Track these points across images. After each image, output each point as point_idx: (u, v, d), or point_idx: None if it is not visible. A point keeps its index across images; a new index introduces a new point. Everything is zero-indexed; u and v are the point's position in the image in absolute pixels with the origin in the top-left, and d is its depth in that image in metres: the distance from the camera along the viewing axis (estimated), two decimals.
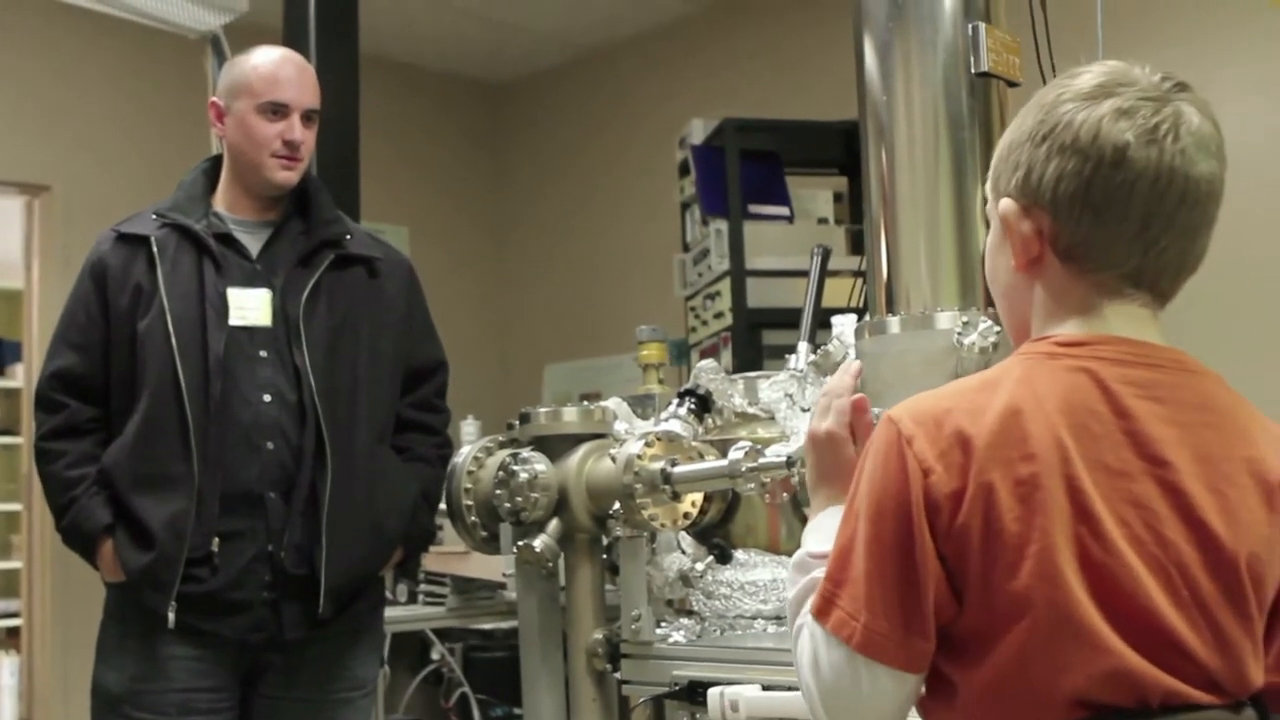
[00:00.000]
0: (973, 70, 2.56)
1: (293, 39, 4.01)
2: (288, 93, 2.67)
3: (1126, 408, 1.20)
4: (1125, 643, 1.15)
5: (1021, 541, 1.16)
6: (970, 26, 2.57)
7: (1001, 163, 1.30)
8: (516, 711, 4.03)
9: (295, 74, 2.70)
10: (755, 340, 4.55)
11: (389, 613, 2.97)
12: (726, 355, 4.50)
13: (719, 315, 4.69)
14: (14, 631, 6.14)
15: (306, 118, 2.70)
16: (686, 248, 5.04)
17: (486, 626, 4.27)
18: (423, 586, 3.74)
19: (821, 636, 1.24)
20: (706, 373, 2.67)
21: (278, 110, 2.66)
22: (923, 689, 1.25)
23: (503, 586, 3.60)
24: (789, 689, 2.08)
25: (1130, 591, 1.16)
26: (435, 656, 4.17)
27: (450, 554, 3.70)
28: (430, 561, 3.70)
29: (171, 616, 2.48)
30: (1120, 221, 1.22)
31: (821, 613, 1.24)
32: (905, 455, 1.20)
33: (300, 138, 2.67)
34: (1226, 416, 1.24)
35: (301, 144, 2.68)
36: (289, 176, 2.68)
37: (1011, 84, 2.63)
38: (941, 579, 1.19)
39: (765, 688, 2.12)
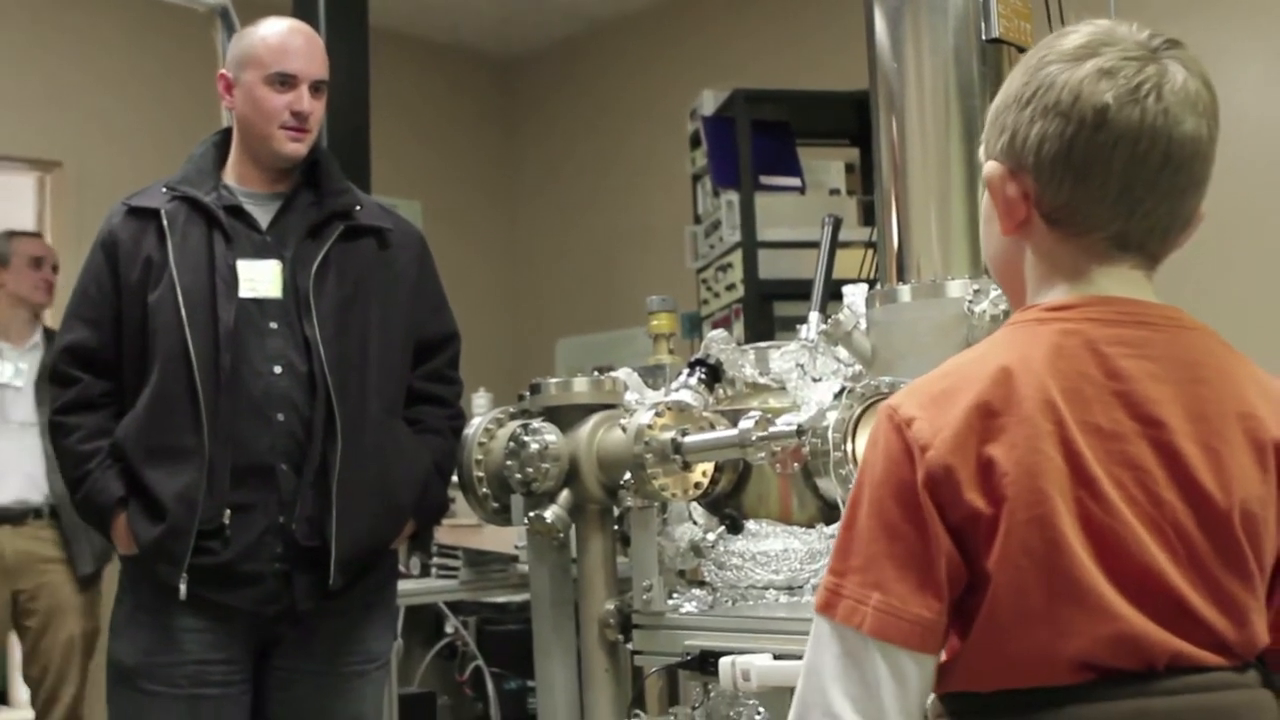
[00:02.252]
0: (984, 36, 2.55)
1: (302, 12, 4.00)
2: (296, 63, 2.66)
3: (1118, 368, 1.20)
4: (1130, 604, 1.15)
5: (1022, 508, 1.15)
6: None
7: (990, 126, 1.29)
8: (530, 684, 4.04)
9: (303, 44, 2.69)
10: (767, 312, 4.54)
11: (402, 586, 2.97)
12: (738, 327, 4.50)
13: (730, 287, 4.69)
14: None
15: (315, 89, 2.69)
16: (698, 220, 5.04)
17: (500, 599, 4.28)
18: (436, 560, 3.75)
19: (831, 634, 1.21)
20: (717, 343, 2.66)
21: (286, 81, 2.65)
22: None
23: (515, 559, 3.61)
24: (800, 658, 2.08)
25: (1133, 553, 1.15)
26: (449, 630, 4.18)
27: (463, 527, 3.71)
28: (443, 535, 3.70)
29: (183, 588, 2.48)
30: (1102, 184, 1.21)
31: (828, 606, 1.21)
32: (904, 436, 1.19)
33: (309, 109, 2.66)
34: (1220, 373, 1.23)
35: (310, 115, 2.67)
36: (298, 148, 2.68)
37: (1023, 50, 2.62)
38: (951, 552, 1.18)
39: (777, 657, 2.12)
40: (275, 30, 2.69)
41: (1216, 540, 1.18)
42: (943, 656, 1.22)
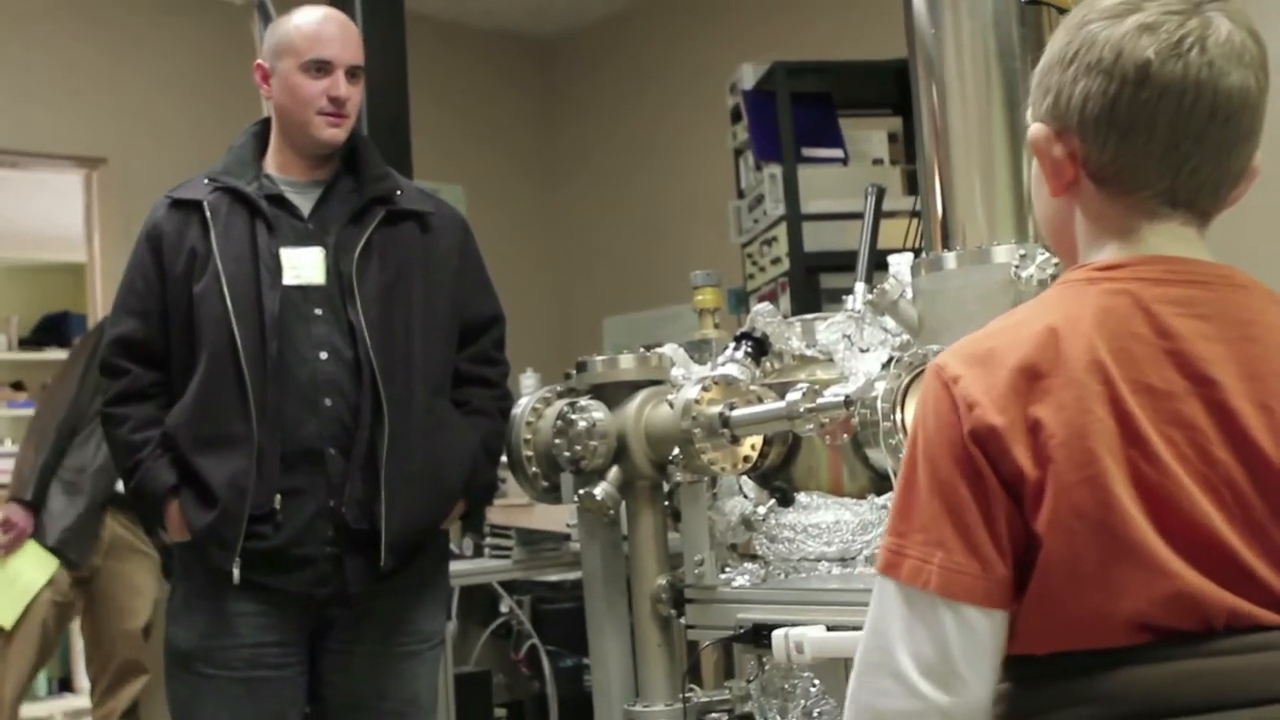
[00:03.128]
0: None
1: (337, 1, 4.01)
2: (331, 49, 2.67)
3: (1169, 327, 1.18)
4: (1186, 563, 1.14)
5: (1071, 469, 1.14)
6: None
7: (1035, 88, 1.28)
8: (585, 661, 4.04)
9: (337, 31, 2.70)
10: (813, 284, 4.52)
11: (455, 567, 2.99)
12: (784, 301, 4.48)
13: (776, 261, 4.66)
14: None
15: (351, 74, 2.70)
16: (741, 194, 5.01)
17: (554, 578, 4.29)
18: (488, 540, 3.77)
19: (896, 595, 1.20)
20: (763, 316, 2.65)
21: (321, 67, 2.66)
22: None
23: (567, 538, 3.62)
24: (854, 629, 2.08)
25: (1187, 511, 1.14)
26: (504, 609, 4.20)
27: (514, 506, 3.72)
28: (495, 515, 3.72)
29: (236, 573, 2.51)
30: (1147, 141, 1.20)
31: (891, 566, 1.21)
32: (953, 394, 1.19)
33: (345, 94, 2.67)
34: (1273, 331, 1.21)
35: (347, 100, 2.68)
36: (336, 134, 2.69)
37: (1063, 11, 2.59)
38: (1010, 507, 1.17)
39: (830, 628, 2.11)
40: (309, 18, 2.71)
41: (1271, 498, 1.16)
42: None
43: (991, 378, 1.18)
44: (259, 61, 2.75)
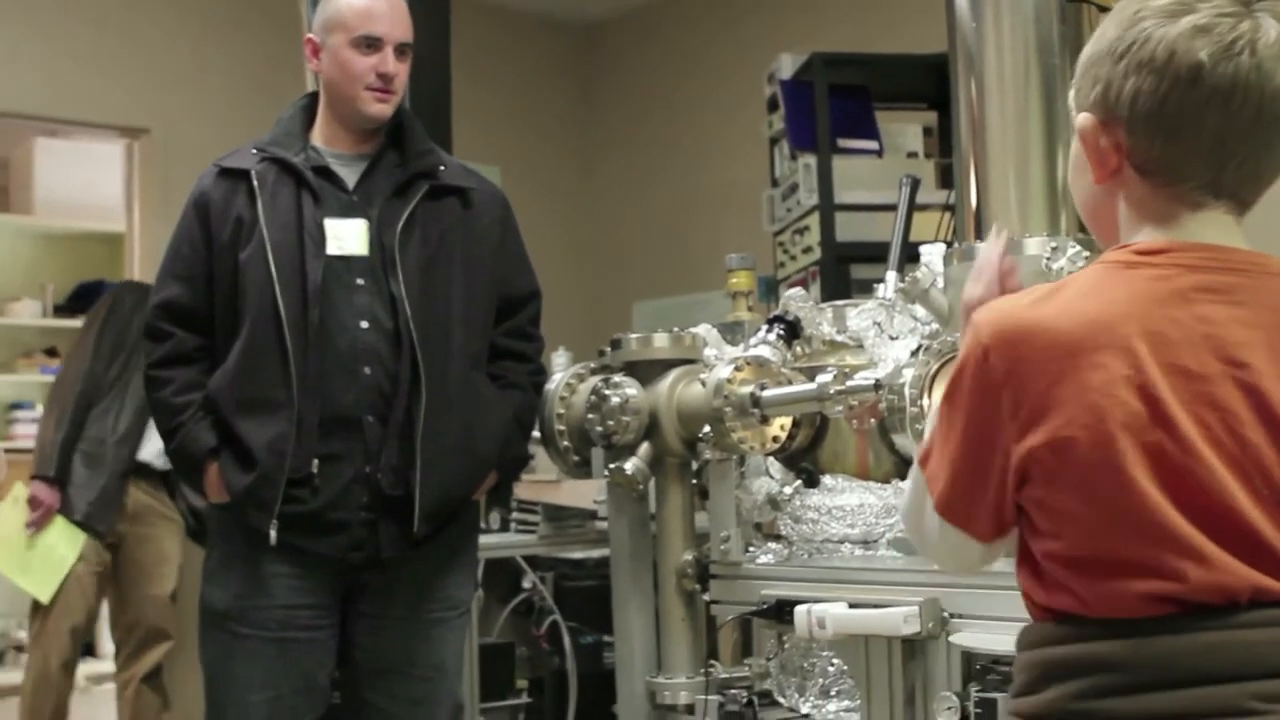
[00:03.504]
0: None
1: None
2: (381, 26, 2.72)
3: (1204, 313, 1.22)
4: (1211, 540, 1.18)
5: (1089, 449, 1.19)
6: None
7: (1082, 77, 1.31)
8: (606, 639, 4.10)
9: (388, 8, 2.75)
10: (844, 274, 4.55)
11: (482, 540, 3.03)
12: (815, 289, 4.51)
13: (807, 250, 4.69)
14: None
15: (400, 51, 2.74)
16: (775, 183, 5.04)
17: (577, 555, 4.34)
18: (515, 515, 3.81)
19: (918, 477, 1.36)
20: (795, 300, 2.70)
21: (371, 44, 2.71)
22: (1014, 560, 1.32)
23: (594, 515, 3.66)
24: (875, 607, 2.12)
25: (1212, 491, 1.18)
26: (526, 585, 4.25)
27: (542, 482, 3.76)
28: (522, 490, 3.76)
29: (274, 535, 2.56)
30: (1195, 139, 1.24)
31: (922, 461, 1.35)
32: (985, 362, 1.24)
33: (394, 70, 2.72)
34: None
35: (395, 77, 2.73)
36: (384, 109, 2.73)
37: (1103, 9, 2.61)
38: (1023, 474, 1.24)
39: (852, 605, 2.16)
40: None
41: None
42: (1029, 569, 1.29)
43: (1019, 352, 1.23)
44: (309, 36, 2.80)
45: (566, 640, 4.08)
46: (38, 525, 4.26)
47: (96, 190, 6.28)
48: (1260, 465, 1.19)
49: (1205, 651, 1.17)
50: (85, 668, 6.46)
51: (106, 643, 7.36)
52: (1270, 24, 1.23)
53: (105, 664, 6.40)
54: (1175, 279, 1.23)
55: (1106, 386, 1.19)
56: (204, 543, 4.38)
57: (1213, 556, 1.17)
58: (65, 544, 4.31)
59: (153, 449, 4.37)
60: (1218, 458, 1.19)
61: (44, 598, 4.33)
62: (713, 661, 2.64)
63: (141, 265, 5.78)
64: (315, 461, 2.58)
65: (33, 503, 4.27)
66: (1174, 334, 1.21)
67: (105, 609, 4.70)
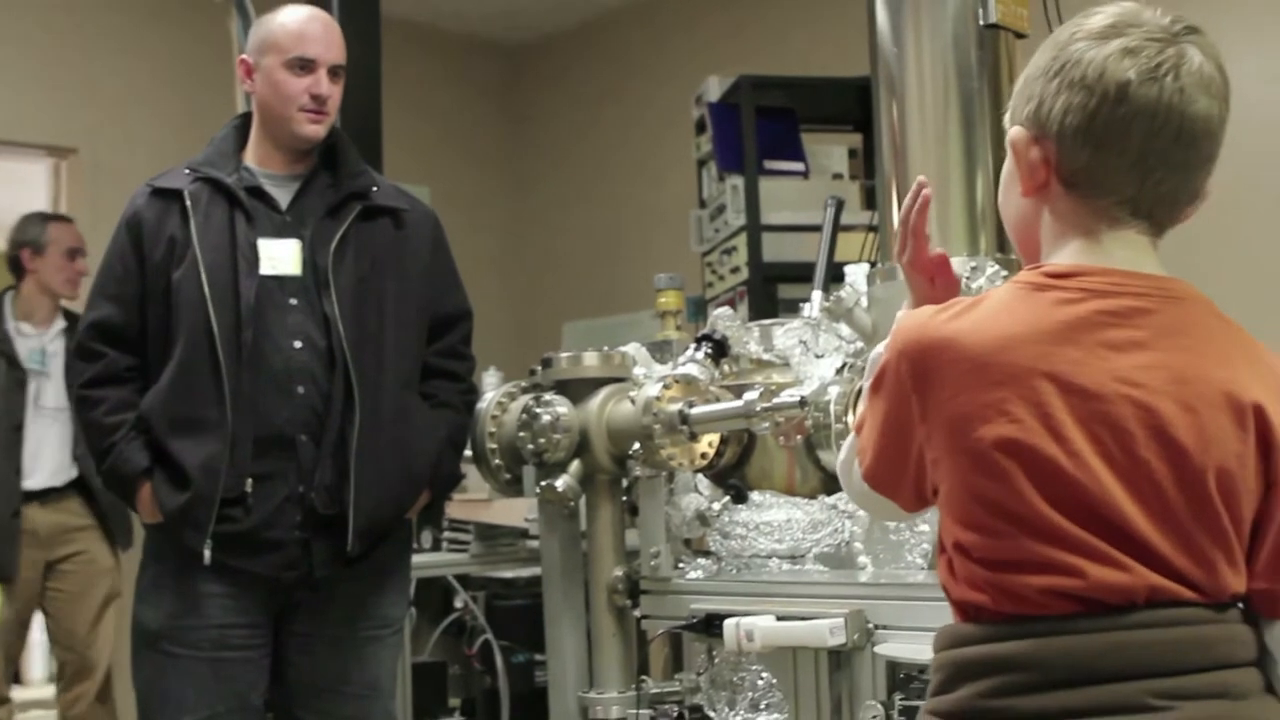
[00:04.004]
0: (981, 22, 2.63)
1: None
2: (314, 48, 2.74)
3: (1105, 336, 1.28)
4: (1108, 544, 1.24)
5: (986, 458, 1.26)
6: None
7: (1018, 95, 1.38)
8: (538, 657, 4.13)
9: (322, 30, 2.77)
10: (771, 294, 4.61)
11: (413, 559, 3.05)
12: (743, 309, 4.56)
13: (735, 270, 4.75)
14: None
15: (333, 73, 2.77)
16: (703, 204, 5.10)
17: (508, 574, 4.37)
18: (446, 533, 3.83)
19: (852, 441, 1.48)
20: (723, 319, 2.74)
21: (305, 65, 2.74)
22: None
23: (525, 534, 3.69)
24: (802, 619, 2.17)
25: (1104, 504, 1.24)
26: (458, 605, 4.27)
27: (473, 501, 3.78)
28: (454, 509, 3.78)
29: (208, 554, 2.57)
30: (1119, 154, 1.30)
31: (858, 428, 1.45)
32: (899, 368, 1.33)
33: (327, 92, 2.75)
34: (1205, 341, 1.31)
35: (328, 98, 2.75)
36: (317, 130, 2.76)
37: (1019, 35, 2.69)
38: (926, 469, 1.34)
39: (780, 618, 2.20)
40: (295, 16, 2.78)
41: (1191, 495, 1.26)
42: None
43: (929, 363, 1.30)
44: (243, 57, 2.82)
45: (499, 659, 4.10)
46: None
47: (19, 210, 6.22)
48: (1152, 481, 1.25)
49: (1105, 651, 1.23)
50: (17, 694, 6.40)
51: (34, 668, 7.30)
52: (1194, 53, 1.30)
53: (29, 691, 6.33)
54: (1080, 303, 1.29)
55: (1004, 404, 1.26)
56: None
57: (1110, 555, 1.24)
58: None
59: (45, 472, 4.35)
60: (1110, 473, 1.25)
61: None
62: (644, 677, 2.67)
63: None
64: (249, 481, 2.60)
65: None
66: (1073, 355, 1.27)
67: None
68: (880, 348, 1.41)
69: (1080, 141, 1.31)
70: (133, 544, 4.41)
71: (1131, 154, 1.30)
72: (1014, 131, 1.36)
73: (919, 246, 1.58)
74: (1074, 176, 1.33)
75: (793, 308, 3.28)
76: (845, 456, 1.52)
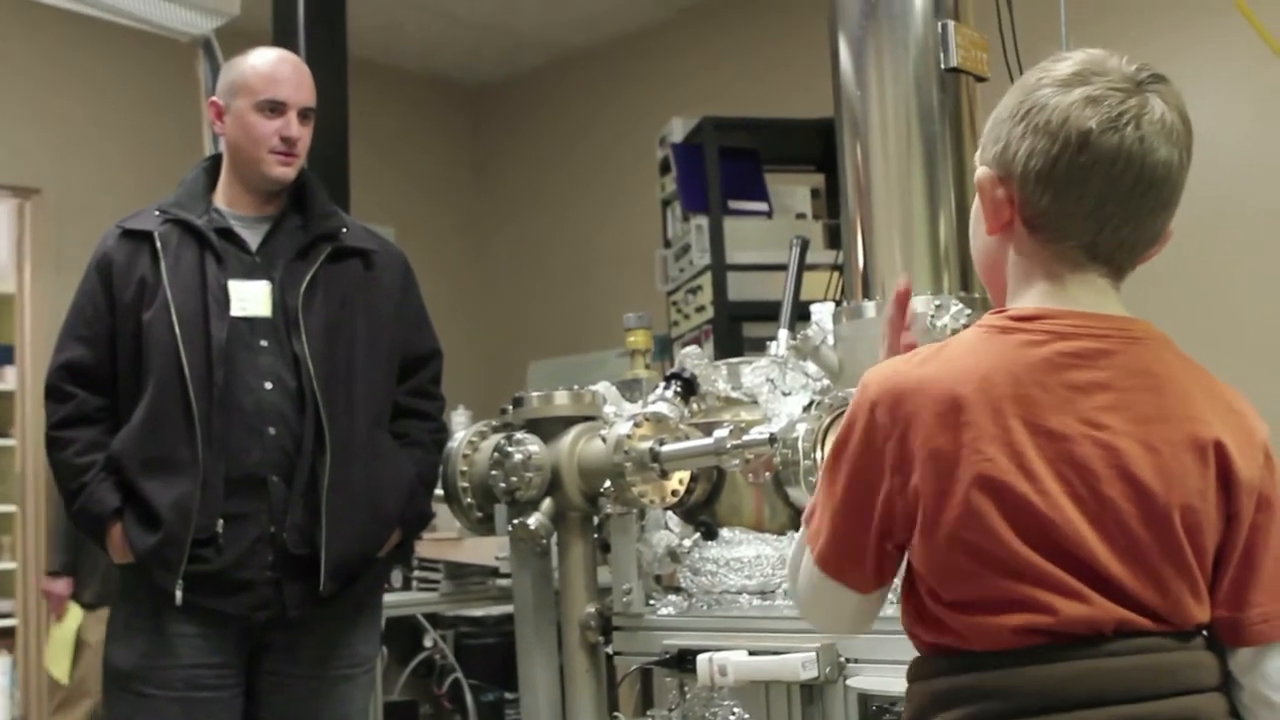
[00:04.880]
0: (943, 66, 2.68)
1: (282, 42, 4.10)
2: (285, 91, 2.77)
3: (1069, 378, 1.32)
4: (1077, 580, 1.27)
5: (961, 498, 1.29)
6: (940, 24, 2.68)
7: (987, 135, 1.42)
8: (509, 695, 4.12)
9: (292, 73, 2.80)
10: (736, 332, 4.66)
11: (384, 598, 3.05)
12: (708, 348, 4.60)
13: (700, 309, 4.80)
14: (8, 632, 6.19)
15: (303, 115, 2.80)
16: (668, 244, 5.15)
17: (478, 613, 4.36)
18: (416, 573, 3.83)
19: (800, 537, 1.44)
20: (691, 358, 2.77)
21: (275, 108, 2.76)
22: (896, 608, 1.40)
23: (495, 572, 3.70)
24: (774, 654, 2.20)
25: (1073, 541, 1.28)
26: (428, 644, 4.26)
27: (443, 540, 3.79)
28: (423, 548, 3.78)
29: (179, 595, 2.57)
30: (1078, 199, 1.34)
31: (806, 520, 1.44)
32: (872, 415, 1.34)
33: (297, 134, 2.77)
34: (1167, 380, 1.35)
35: (298, 140, 2.78)
36: (286, 172, 2.78)
37: (980, 79, 2.75)
38: (904, 520, 1.33)
39: (752, 653, 2.23)
40: (265, 59, 2.80)
41: (1155, 532, 1.30)
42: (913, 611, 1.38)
43: (900, 413, 1.32)
44: (213, 99, 2.83)
45: (469, 698, 4.10)
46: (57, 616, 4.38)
47: None
48: (1118, 519, 1.29)
49: (1074, 678, 1.26)
50: None
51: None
52: (1157, 102, 1.34)
53: None
54: (1045, 345, 1.33)
55: (977, 443, 1.29)
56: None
57: (1079, 591, 1.27)
58: (72, 623, 4.42)
59: None
60: (1078, 511, 1.29)
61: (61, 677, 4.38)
62: (615, 714, 2.69)
63: (33, 326, 5.73)
64: (220, 521, 2.60)
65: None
66: (1040, 396, 1.31)
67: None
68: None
69: (1042, 186, 1.34)
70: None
71: (1090, 201, 1.33)
72: (980, 171, 1.40)
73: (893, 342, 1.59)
74: (1035, 219, 1.36)
75: (757, 346, 3.32)
76: (791, 558, 1.48)
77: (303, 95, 2.80)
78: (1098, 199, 1.33)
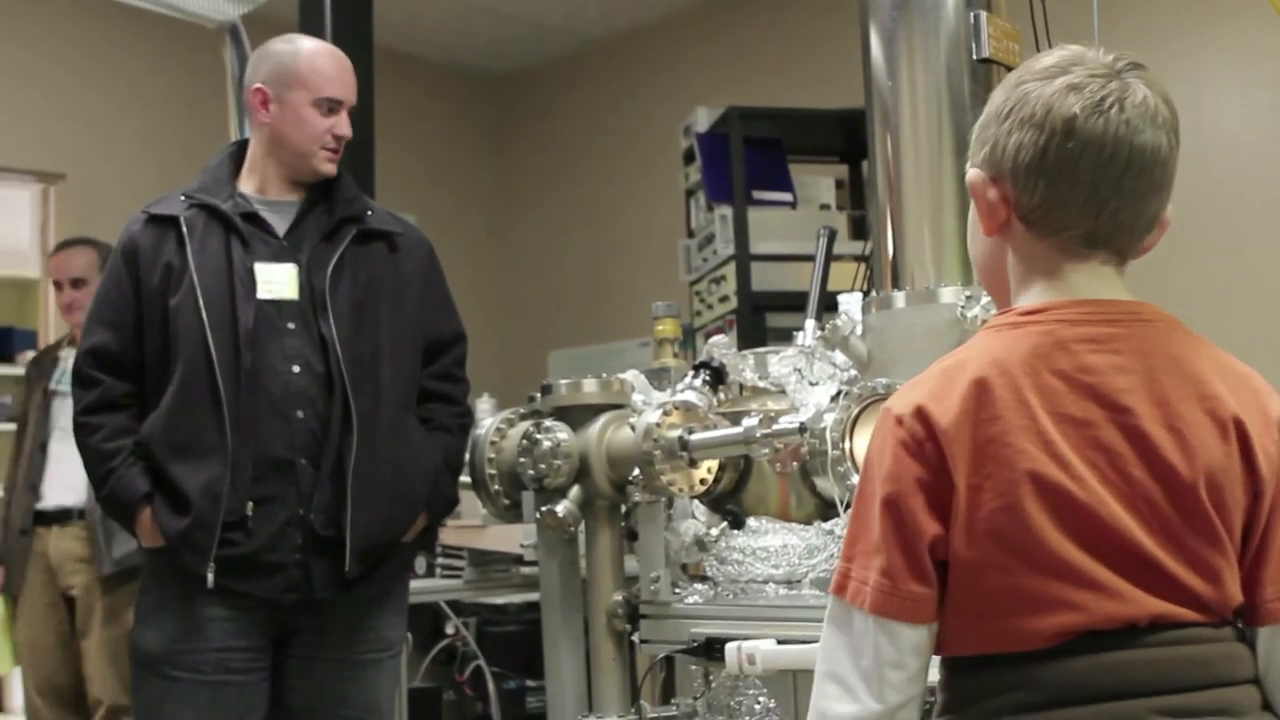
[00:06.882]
0: (974, 56, 2.67)
1: (309, 30, 4.10)
2: (342, 90, 2.81)
3: (1086, 363, 1.32)
4: (1111, 571, 1.27)
5: (994, 496, 1.28)
6: (972, 15, 2.68)
7: (975, 139, 1.42)
8: (530, 683, 4.14)
9: (347, 72, 2.85)
10: (759, 323, 4.66)
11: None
12: (731, 338, 4.60)
13: (724, 299, 4.80)
14: None
15: (348, 112, 2.83)
16: (691, 234, 5.14)
17: (500, 600, 4.37)
18: (439, 560, 3.84)
19: (839, 610, 1.35)
20: (719, 347, 2.77)
21: (333, 107, 2.79)
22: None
23: (519, 560, 3.70)
24: (803, 643, 2.19)
25: (1110, 526, 1.28)
26: (450, 631, 4.27)
27: (467, 527, 3.79)
28: (448, 535, 3.79)
29: (211, 578, 2.58)
30: (1070, 186, 1.34)
31: (839, 588, 1.36)
32: (898, 438, 1.33)
33: (348, 133, 2.81)
34: (1181, 361, 1.35)
35: (346, 139, 2.81)
36: (332, 168, 2.82)
37: (1011, 69, 2.73)
38: (940, 533, 1.31)
39: (780, 642, 2.22)
40: (322, 55, 2.83)
41: (1185, 509, 1.30)
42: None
43: (924, 428, 1.32)
44: (258, 85, 2.80)
45: (490, 686, 4.10)
46: None
47: (9, 236, 6.24)
48: (1148, 499, 1.29)
49: (1109, 670, 1.26)
50: None
51: (15, 696, 7.24)
52: (1138, 86, 1.34)
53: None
54: (1057, 333, 1.33)
55: (1006, 436, 1.29)
56: (115, 593, 4.39)
57: (1113, 586, 1.27)
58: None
59: (54, 497, 4.36)
60: (1111, 495, 1.28)
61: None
62: (641, 702, 2.69)
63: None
64: (249, 504, 2.61)
65: None
66: (1059, 386, 1.31)
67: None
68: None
69: (1034, 178, 1.34)
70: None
71: (1083, 187, 1.33)
72: (971, 174, 1.40)
73: None
74: (1031, 213, 1.36)
75: (781, 336, 3.32)
76: (819, 674, 1.36)
77: (353, 93, 2.85)
78: (1091, 184, 1.34)
